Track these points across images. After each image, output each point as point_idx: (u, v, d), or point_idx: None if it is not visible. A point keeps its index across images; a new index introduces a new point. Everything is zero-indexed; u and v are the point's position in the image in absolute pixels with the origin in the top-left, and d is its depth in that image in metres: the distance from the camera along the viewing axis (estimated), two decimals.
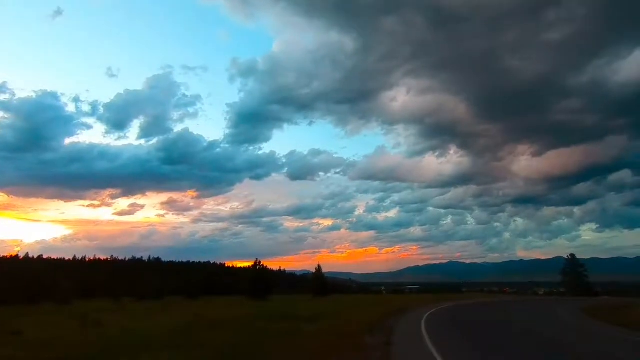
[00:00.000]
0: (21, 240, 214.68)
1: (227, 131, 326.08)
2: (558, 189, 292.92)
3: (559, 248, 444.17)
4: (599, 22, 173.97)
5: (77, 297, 45.67)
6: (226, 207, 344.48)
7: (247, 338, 10.24)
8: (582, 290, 65.64)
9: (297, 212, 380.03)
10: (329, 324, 13.77)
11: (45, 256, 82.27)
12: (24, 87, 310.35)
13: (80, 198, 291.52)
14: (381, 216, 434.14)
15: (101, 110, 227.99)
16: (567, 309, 25.02)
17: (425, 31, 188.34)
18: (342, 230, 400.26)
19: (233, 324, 13.90)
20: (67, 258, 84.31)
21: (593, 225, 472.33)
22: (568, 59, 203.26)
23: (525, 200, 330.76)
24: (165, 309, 26.12)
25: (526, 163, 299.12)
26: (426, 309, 23.21)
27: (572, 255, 73.19)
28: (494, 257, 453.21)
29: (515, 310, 25.27)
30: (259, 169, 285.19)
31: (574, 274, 70.43)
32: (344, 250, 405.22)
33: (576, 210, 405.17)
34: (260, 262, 43.54)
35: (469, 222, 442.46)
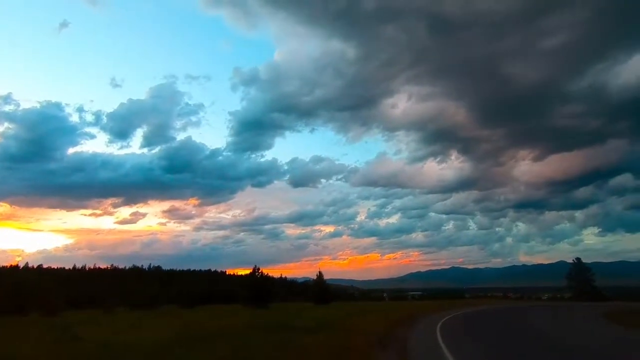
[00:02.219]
0: (22, 250, 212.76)
1: (230, 139, 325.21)
2: (559, 193, 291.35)
3: (561, 252, 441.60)
4: (598, 28, 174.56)
5: (70, 308, 44.14)
6: (228, 215, 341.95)
7: (237, 353, 8.81)
8: (590, 295, 63.97)
9: (299, 219, 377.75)
10: (331, 335, 12.27)
11: (45, 266, 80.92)
12: (29, 98, 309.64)
13: (82, 207, 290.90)
14: (383, 222, 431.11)
15: (104, 119, 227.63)
16: (590, 316, 23.27)
17: (426, 38, 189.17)
18: (344, 237, 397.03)
19: (225, 335, 12.43)
20: (67, 267, 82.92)
21: (595, 229, 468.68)
22: (568, 64, 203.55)
23: (527, 205, 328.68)
24: (157, 318, 24.57)
25: (527, 168, 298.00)
26: (436, 318, 21.65)
27: (578, 259, 71.45)
28: (496, 262, 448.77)
29: (535, 317, 23.58)
30: (261, 176, 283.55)
31: (580, 278, 68.79)
32: (346, 257, 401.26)
33: (578, 214, 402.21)
34: (259, 269, 41.93)
35: (470, 228, 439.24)
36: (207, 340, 11.24)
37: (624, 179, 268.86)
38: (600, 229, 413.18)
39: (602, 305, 37.52)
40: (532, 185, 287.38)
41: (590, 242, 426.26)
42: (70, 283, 65.89)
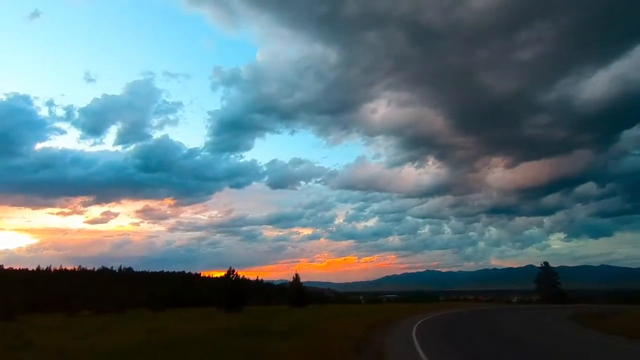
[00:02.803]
0: None
1: (208, 139, 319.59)
2: (529, 200, 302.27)
3: (530, 257, 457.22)
4: (566, 44, 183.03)
5: (32, 311, 41.56)
6: (204, 216, 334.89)
7: None
8: (556, 298, 66.42)
9: (277, 221, 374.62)
10: (306, 339, 11.80)
11: (6, 267, 76.11)
12: None
13: (50, 205, 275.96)
14: (360, 225, 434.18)
15: (76, 115, 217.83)
16: (561, 319, 23.92)
17: (406, 46, 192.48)
18: (322, 240, 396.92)
19: (192, 342, 11.73)
20: (30, 269, 78.23)
21: (561, 235, 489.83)
22: (538, 77, 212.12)
23: (498, 211, 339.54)
24: (124, 323, 23.32)
25: (500, 175, 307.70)
26: (412, 320, 21.58)
27: (546, 263, 74.35)
28: (469, 266, 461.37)
29: (506, 319, 24.02)
30: (240, 177, 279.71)
31: (547, 282, 71.44)
32: (323, 259, 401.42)
33: (546, 220, 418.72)
34: (233, 271, 40.87)
35: (445, 232, 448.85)
36: (173, 348, 10.54)
37: (589, 187, 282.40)
38: (565, 235, 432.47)
39: (569, 309, 38.82)
40: (504, 192, 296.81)
41: (557, 247, 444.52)
42: (33, 285, 62.31)
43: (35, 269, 77.30)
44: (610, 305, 43.68)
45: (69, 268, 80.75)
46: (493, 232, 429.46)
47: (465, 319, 24.50)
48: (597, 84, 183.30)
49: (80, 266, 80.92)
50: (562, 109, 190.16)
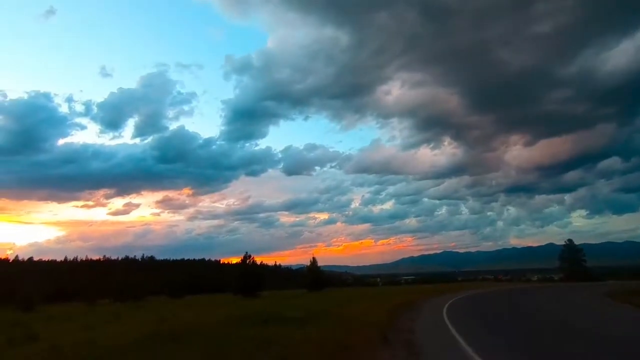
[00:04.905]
0: (14, 243, 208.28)
1: (223, 128, 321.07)
2: (549, 177, 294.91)
3: (550, 235, 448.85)
4: (587, 14, 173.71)
5: (55, 301, 42.22)
6: (222, 204, 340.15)
7: (208, 358, 7.16)
8: (582, 275, 63.99)
9: (293, 206, 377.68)
10: (324, 327, 10.67)
11: (36, 259, 78.49)
12: (16, 89, 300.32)
13: (74, 199, 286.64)
14: (377, 209, 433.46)
15: (95, 109, 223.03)
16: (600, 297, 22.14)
17: (417, 25, 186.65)
18: (338, 224, 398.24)
19: (202, 332, 10.75)
20: (58, 260, 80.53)
21: (583, 212, 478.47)
22: (557, 49, 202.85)
23: (517, 189, 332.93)
24: (138, 311, 22.86)
25: (518, 153, 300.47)
26: (438, 303, 20.29)
27: (570, 240, 71.70)
28: (488, 246, 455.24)
29: (543, 301, 22.29)
30: (255, 165, 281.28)
31: (572, 259, 68.87)
32: (340, 243, 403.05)
33: (567, 197, 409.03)
34: (250, 257, 40.30)
35: (463, 212, 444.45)
36: (178, 340, 9.55)
37: (612, 162, 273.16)
38: (588, 212, 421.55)
39: (599, 285, 36.87)
40: (522, 170, 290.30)
41: (578, 224, 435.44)
42: (60, 275, 63.75)
43: (62, 259, 79.47)
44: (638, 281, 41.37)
45: (94, 258, 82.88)
46: (512, 211, 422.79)
47: (497, 300, 23.04)
48: (621, 55, 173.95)
49: (104, 256, 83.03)
50: (584, 82, 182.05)
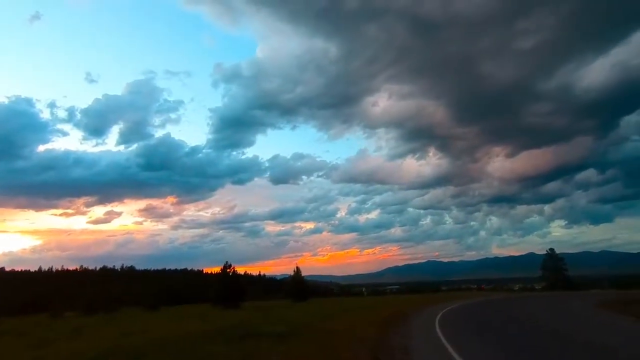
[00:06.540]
0: None
1: (210, 136, 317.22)
2: (530, 188, 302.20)
3: (531, 244, 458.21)
4: (566, 32, 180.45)
5: (16, 313, 39.36)
6: (207, 213, 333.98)
7: None
8: (564, 285, 64.31)
9: (279, 215, 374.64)
10: (307, 345, 9.44)
11: (8, 269, 74.27)
12: None
13: (53, 207, 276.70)
14: (362, 218, 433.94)
15: (78, 116, 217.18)
16: (590, 307, 21.54)
17: (406, 38, 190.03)
18: (324, 233, 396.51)
19: (167, 349, 9.36)
20: (32, 270, 76.55)
21: (562, 222, 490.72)
22: (538, 65, 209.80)
23: (499, 200, 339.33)
24: (104, 324, 20.98)
25: (500, 164, 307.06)
26: (429, 315, 19.20)
27: (552, 249, 72.06)
28: (471, 255, 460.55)
29: (524, 310, 21.66)
30: (242, 173, 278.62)
31: (554, 268, 69.32)
32: (326, 253, 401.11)
33: (546, 208, 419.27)
34: (230, 266, 38.49)
35: (447, 222, 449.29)
36: (138, 358, 8.17)
37: (589, 174, 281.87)
38: (566, 222, 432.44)
39: (586, 295, 36.62)
40: (504, 181, 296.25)
41: (558, 234, 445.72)
42: (32, 286, 60.14)
43: (37, 269, 75.58)
44: (621, 291, 41.43)
45: (70, 268, 78.94)
46: (494, 221, 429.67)
47: (489, 310, 22.14)
48: (597, 71, 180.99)
49: (81, 266, 79.30)
50: (563, 97, 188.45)
